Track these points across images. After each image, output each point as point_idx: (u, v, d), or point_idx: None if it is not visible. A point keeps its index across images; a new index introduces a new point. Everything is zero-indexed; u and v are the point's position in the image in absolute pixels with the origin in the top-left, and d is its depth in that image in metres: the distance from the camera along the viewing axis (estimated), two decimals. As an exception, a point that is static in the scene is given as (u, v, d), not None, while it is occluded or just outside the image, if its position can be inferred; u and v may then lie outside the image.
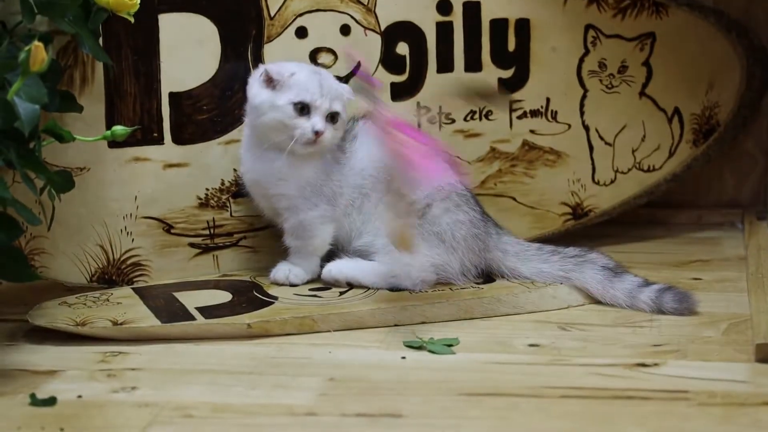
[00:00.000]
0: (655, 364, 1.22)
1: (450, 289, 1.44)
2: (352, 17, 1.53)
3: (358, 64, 1.44)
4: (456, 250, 1.45)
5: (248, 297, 1.42)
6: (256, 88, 1.43)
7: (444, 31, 1.57)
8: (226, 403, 1.14)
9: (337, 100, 1.43)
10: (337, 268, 1.46)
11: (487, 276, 1.48)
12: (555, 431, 1.07)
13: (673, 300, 1.37)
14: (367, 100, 1.38)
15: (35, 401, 1.14)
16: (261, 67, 1.44)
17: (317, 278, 1.49)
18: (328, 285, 1.46)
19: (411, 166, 1.34)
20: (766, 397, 1.13)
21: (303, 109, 1.41)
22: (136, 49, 1.45)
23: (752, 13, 1.78)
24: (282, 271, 1.47)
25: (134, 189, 1.47)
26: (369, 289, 1.44)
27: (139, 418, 1.10)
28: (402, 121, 1.38)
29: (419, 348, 1.29)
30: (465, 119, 1.59)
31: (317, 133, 1.41)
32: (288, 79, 1.41)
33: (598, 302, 1.43)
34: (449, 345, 1.30)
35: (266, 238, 1.55)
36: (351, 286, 1.45)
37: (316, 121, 1.41)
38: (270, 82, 1.41)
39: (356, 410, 1.12)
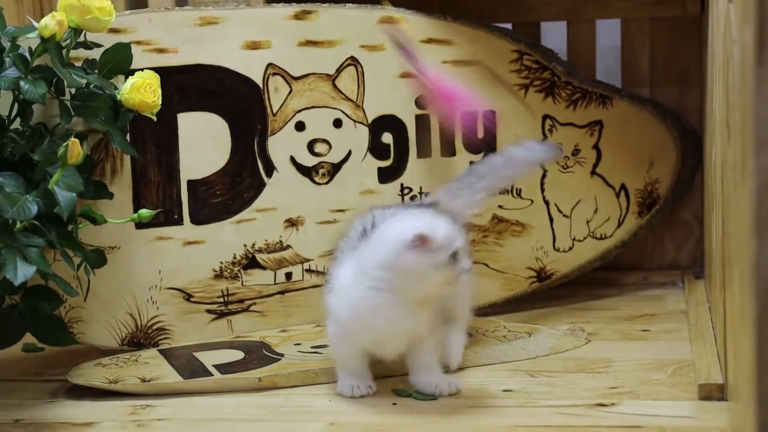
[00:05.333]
0: (612, 404, 1.23)
1: (433, 344, 1.43)
2: (343, 112, 1.55)
3: (404, 47, 1.46)
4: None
5: (258, 355, 1.42)
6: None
7: (422, 122, 1.59)
8: (241, 447, 1.14)
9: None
10: None
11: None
12: (527, 463, 1.08)
13: None
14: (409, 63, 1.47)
15: (75, 450, 1.14)
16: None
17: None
18: None
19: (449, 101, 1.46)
20: (708, 430, 1.14)
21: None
22: (158, 143, 1.47)
23: (683, 102, 1.80)
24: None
25: (158, 264, 1.47)
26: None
27: (166, 461, 1.10)
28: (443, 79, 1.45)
29: (407, 395, 1.29)
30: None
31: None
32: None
33: (561, 352, 1.43)
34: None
35: (273, 303, 1.55)
36: None
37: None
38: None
39: (355, 450, 1.12)
